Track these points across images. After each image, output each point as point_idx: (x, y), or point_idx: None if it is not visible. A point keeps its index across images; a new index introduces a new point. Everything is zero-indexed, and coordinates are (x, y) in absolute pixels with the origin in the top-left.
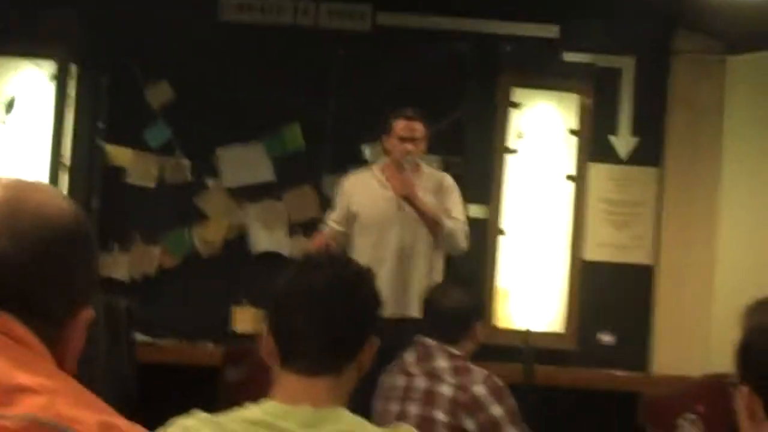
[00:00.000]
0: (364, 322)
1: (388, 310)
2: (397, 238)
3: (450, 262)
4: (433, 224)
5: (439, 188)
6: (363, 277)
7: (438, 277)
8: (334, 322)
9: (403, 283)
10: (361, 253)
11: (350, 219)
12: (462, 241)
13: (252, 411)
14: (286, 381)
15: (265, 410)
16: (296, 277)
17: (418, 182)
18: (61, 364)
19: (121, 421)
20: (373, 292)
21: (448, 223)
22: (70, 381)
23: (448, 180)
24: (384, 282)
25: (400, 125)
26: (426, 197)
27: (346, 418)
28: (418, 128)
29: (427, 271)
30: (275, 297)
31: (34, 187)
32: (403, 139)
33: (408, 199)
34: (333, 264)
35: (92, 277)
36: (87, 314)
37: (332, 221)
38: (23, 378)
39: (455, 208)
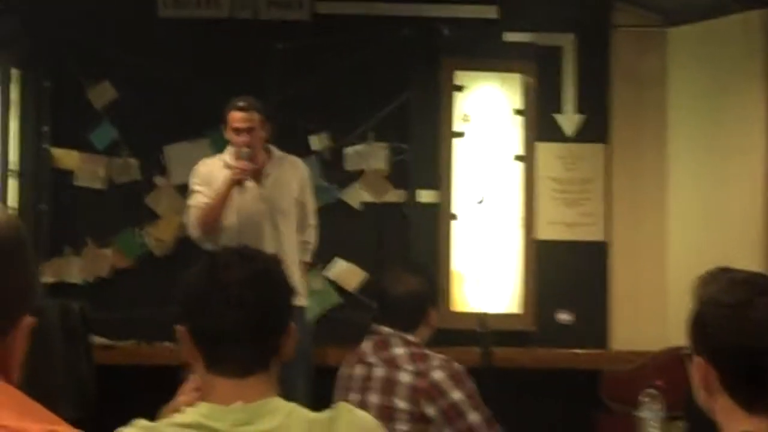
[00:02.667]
0: (283, 311)
1: None
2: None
3: (404, 247)
4: None
5: (297, 175)
6: (273, 267)
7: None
8: (256, 321)
9: None
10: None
11: None
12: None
13: (186, 414)
14: (217, 384)
15: (199, 413)
16: (209, 278)
17: (271, 171)
18: (6, 373)
19: (65, 429)
20: (284, 279)
21: (309, 245)
22: (12, 392)
23: (305, 170)
24: None
25: (234, 117)
26: (286, 184)
27: (281, 408)
28: (252, 118)
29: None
30: (188, 300)
31: None
32: (237, 131)
33: None
34: (243, 260)
35: (32, 284)
36: (27, 322)
37: (204, 199)
38: None
39: (310, 207)
